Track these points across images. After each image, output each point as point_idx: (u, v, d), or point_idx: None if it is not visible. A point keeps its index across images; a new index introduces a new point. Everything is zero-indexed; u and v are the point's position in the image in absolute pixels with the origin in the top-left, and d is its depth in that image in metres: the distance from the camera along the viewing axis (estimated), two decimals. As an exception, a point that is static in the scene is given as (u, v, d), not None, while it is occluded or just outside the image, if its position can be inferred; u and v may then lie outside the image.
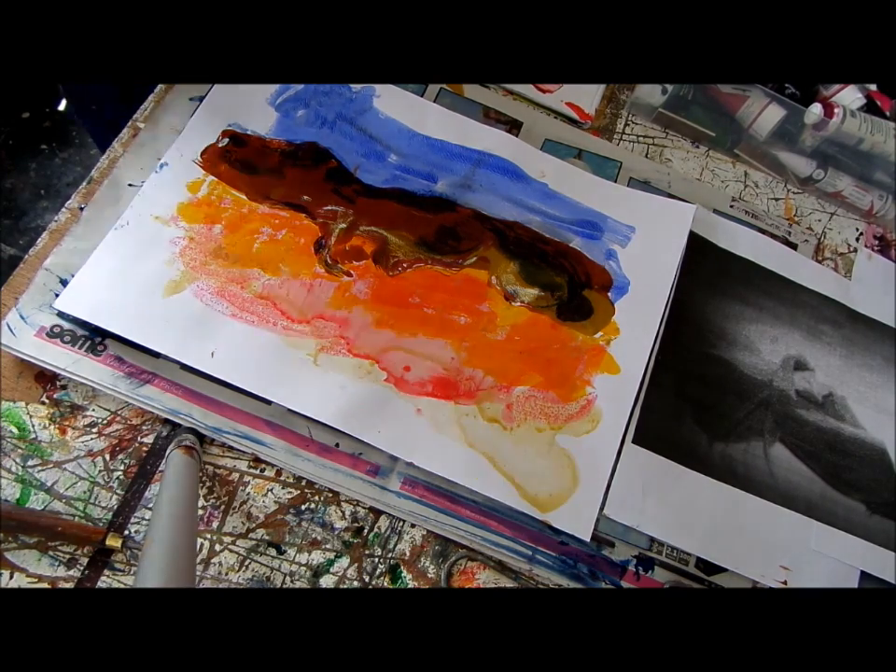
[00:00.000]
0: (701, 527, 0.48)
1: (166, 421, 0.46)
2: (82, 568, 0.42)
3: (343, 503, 0.46)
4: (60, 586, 0.42)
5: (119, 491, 0.44)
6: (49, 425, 0.45)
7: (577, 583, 0.46)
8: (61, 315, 0.46)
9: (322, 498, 0.46)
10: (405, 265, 0.51)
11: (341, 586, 0.45)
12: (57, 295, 0.46)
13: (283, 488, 0.46)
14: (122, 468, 0.45)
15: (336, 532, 0.46)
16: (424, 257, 0.51)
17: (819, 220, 0.62)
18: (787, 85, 0.60)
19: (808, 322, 0.57)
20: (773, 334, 0.56)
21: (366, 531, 0.46)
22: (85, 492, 0.44)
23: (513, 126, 0.59)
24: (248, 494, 0.45)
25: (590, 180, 0.57)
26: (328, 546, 0.45)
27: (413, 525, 0.46)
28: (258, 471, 0.46)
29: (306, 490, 0.46)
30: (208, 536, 0.44)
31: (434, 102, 0.58)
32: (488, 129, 0.57)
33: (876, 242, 0.62)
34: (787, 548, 0.49)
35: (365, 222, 0.52)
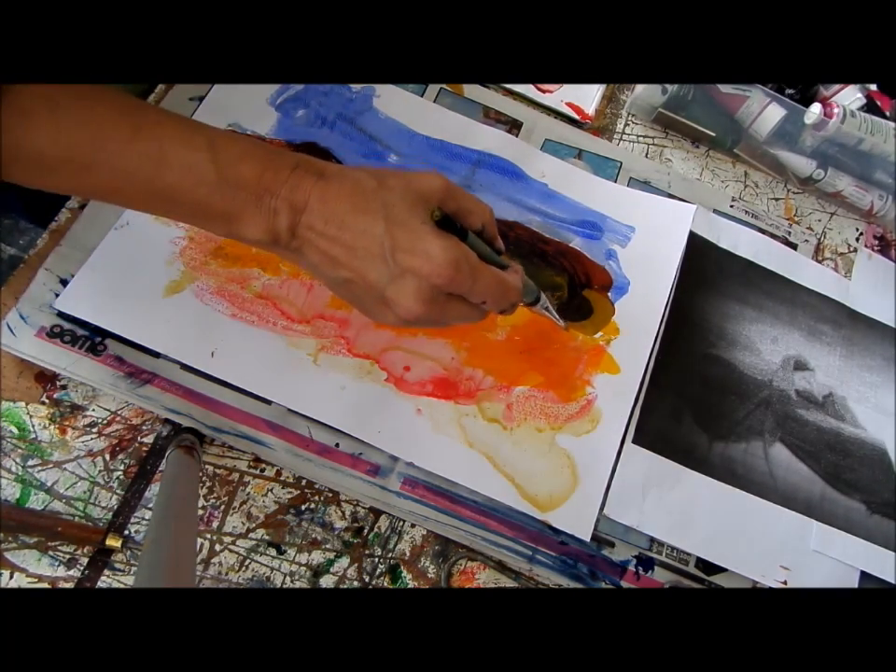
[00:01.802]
0: (701, 527, 0.48)
1: (166, 421, 0.46)
2: (82, 568, 0.42)
3: (343, 503, 0.46)
4: (60, 586, 0.42)
5: (119, 491, 0.44)
6: (49, 425, 0.45)
7: (577, 583, 0.46)
8: (61, 314, 0.46)
9: (322, 498, 0.46)
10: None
11: (341, 586, 0.45)
12: (57, 295, 0.46)
13: (283, 488, 0.46)
14: (122, 468, 0.45)
15: (336, 532, 0.46)
16: (424, 257, 0.51)
17: (819, 220, 0.62)
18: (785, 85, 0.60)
19: (808, 322, 0.57)
20: (773, 334, 0.56)
21: (366, 531, 0.46)
22: (85, 492, 0.44)
23: (513, 126, 0.59)
24: (248, 494, 0.45)
25: (590, 180, 0.57)
26: (328, 546, 0.45)
27: (413, 525, 0.47)
28: (258, 471, 0.46)
29: (306, 490, 0.46)
30: (208, 536, 0.44)
31: (434, 102, 0.58)
32: (488, 129, 0.57)
33: (876, 242, 0.62)
34: (787, 548, 0.49)
35: (365, 222, 0.52)
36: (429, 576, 0.46)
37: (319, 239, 0.34)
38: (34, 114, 0.32)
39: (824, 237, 0.61)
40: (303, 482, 0.46)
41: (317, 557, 0.45)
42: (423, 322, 0.36)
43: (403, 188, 0.35)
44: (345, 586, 0.45)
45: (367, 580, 0.45)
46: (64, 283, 0.46)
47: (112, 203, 0.36)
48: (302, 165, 0.35)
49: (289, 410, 0.46)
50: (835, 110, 0.56)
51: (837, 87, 0.60)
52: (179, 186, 0.33)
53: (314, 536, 0.45)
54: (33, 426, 0.44)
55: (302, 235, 0.35)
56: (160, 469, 0.45)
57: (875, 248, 0.62)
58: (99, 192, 0.35)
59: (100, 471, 0.44)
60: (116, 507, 0.44)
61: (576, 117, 0.60)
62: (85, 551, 0.43)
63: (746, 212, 0.60)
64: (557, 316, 0.44)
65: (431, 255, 0.33)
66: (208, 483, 0.45)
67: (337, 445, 0.46)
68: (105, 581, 0.42)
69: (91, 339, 0.46)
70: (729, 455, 0.51)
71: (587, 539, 0.46)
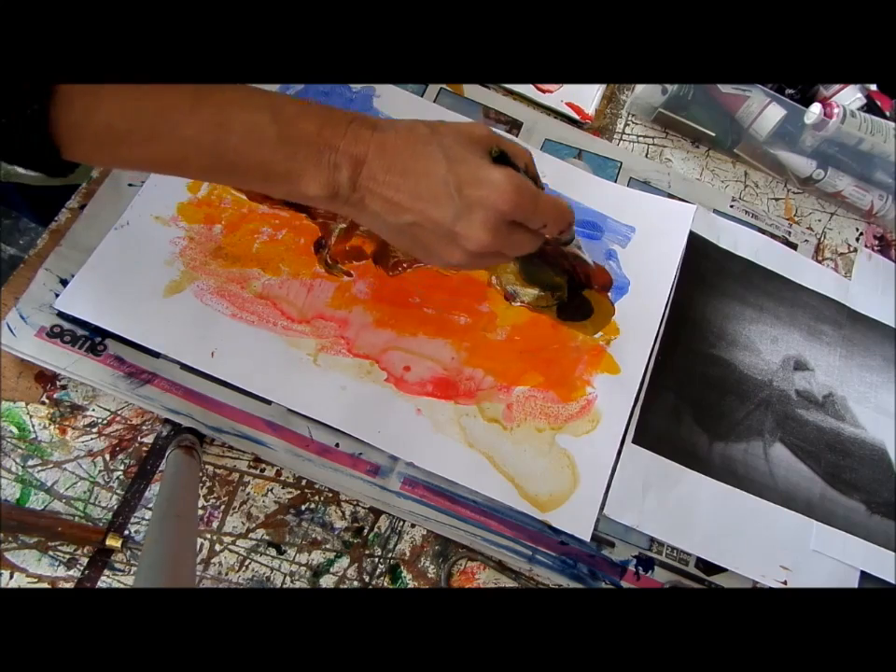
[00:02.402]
0: (701, 527, 0.48)
1: (166, 421, 0.46)
2: (82, 568, 0.42)
3: (343, 503, 0.46)
4: (60, 586, 0.42)
5: (118, 491, 0.44)
6: (49, 425, 0.45)
7: (577, 583, 0.46)
8: (61, 314, 0.46)
9: (322, 498, 0.46)
10: (405, 265, 0.50)
11: (341, 586, 0.45)
12: (57, 295, 0.46)
13: (283, 488, 0.46)
14: (122, 468, 0.45)
15: (336, 532, 0.46)
16: (424, 257, 0.51)
17: (819, 220, 0.62)
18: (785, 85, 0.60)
19: (808, 322, 0.57)
20: (773, 334, 0.56)
21: (366, 531, 0.46)
22: (85, 492, 0.44)
23: (513, 126, 0.59)
24: (248, 494, 0.45)
25: (590, 180, 0.57)
26: (328, 546, 0.45)
27: (413, 525, 0.47)
28: (258, 471, 0.46)
29: (306, 490, 0.46)
30: (208, 536, 0.44)
31: (434, 102, 0.58)
32: (488, 129, 0.57)
33: (876, 242, 0.62)
34: (787, 548, 0.49)
35: (365, 222, 0.51)
36: (429, 576, 0.46)
37: (382, 187, 0.35)
38: (100, 87, 0.32)
39: (824, 237, 0.61)
40: (303, 482, 0.46)
41: (317, 557, 0.45)
42: (488, 256, 0.37)
43: (455, 132, 0.37)
44: (345, 586, 0.45)
45: (367, 580, 0.45)
46: (64, 283, 0.46)
47: (176, 174, 0.37)
48: (357, 119, 0.36)
49: (289, 410, 0.46)
50: (835, 110, 0.56)
51: (837, 87, 0.60)
52: (242, 148, 0.34)
53: (314, 536, 0.45)
54: (33, 426, 0.44)
55: (364, 186, 0.36)
56: (160, 469, 0.45)
57: (875, 248, 0.62)
58: (165, 163, 0.36)
59: (100, 471, 0.44)
60: (116, 507, 0.44)
61: (576, 117, 0.60)
62: (85, 551, 0.43)
63: (746, 212, 0.60)
64: (587, 256, 0.45)
65: (496, 183, 0.34)
66: (208, 483, 0.45)
67: (337, 445, 0.46)
68: (105, 581, 0.42)
69: (91, 339, 0.46)
70: (729, 454, 0.51)
71: (587, 539, 0.46)
